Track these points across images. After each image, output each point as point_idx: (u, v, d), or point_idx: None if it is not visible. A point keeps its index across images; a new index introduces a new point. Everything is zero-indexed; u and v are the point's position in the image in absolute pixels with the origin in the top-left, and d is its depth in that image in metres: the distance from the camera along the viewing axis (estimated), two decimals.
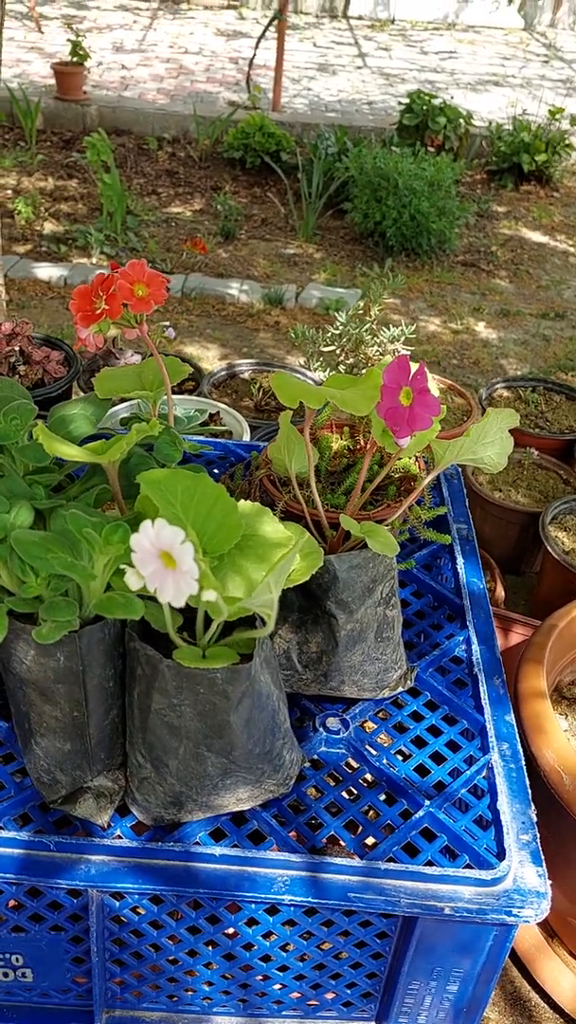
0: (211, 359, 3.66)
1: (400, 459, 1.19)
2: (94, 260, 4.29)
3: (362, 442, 1.26)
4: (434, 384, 2.30)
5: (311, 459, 1.08)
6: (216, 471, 1.47)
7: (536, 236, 5.11)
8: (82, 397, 1.09)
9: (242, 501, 0.96)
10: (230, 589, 0.91)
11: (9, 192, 4.81)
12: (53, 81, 5.78)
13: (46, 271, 4.05)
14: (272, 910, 0.99)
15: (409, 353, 1.87)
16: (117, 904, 0.99)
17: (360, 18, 9.00)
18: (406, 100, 5.45)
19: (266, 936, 1.02)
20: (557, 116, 5.50)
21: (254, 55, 6.01)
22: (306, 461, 1.09)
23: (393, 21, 9.01)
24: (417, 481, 1.17)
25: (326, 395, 0.99)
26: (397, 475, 1.20)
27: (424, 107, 5.30)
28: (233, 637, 0.93)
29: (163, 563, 0.73)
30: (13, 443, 0.99)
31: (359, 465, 1.21)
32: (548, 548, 1.90)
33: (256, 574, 0.92)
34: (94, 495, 0.99)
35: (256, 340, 3.85)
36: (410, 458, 1.19)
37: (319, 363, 2.00)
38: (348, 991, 1.09)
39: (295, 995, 1.09)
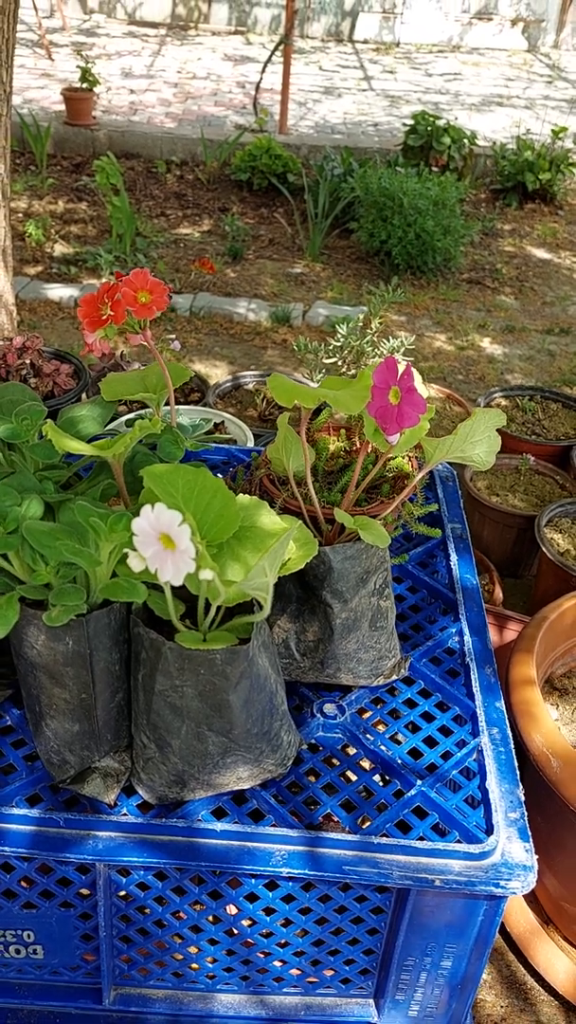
0: (219, 376, 3.73)
1: (393, 458, 1.24)
2: (103, 281, 4.37)
3: (358, 443, 1.31)
4: (427, 389, 2.36)
5: (308, 458, 1.13)
6: (219, 475, 1.53)
7: (541, 253, 5.18)
8: (90, 400, 1.15)
9: (241, 495, 1.02)
10: (228, 574, 0.96)
11: (20, 215, 4.91)
12: (63, 107, 5.91)
13: (56, 292, 4.13)
14: (271, 885, 1.04)
15: (409, 363, 1.93)
16: (123, 880, 1.04)
17: (365, 42, 9.14)
18: (411, 121, 5.54)
19: (266, 912, 1.07)
20: (561, 135, 5.58)
21: (260, 79, 6.12)
22: (303, 460, 1.15)
23: (398, 44, 9.15)
24: (410, 479, 1.22)
25: (319, 395, 1.04)
26: (391, 474, 1.25)
27: (429, 128, 5.39)
28: (233, 622, 0.99)
29: (163, 545, 0.79)
30: (24, 442, 1.05)
31: (355, 465, 1.26)
32: (544, 550, 1.95)
33: (254, 560, 0.97)
34: (100, 489, 1.05)
35: (264, 357, 3.92)
36: (403, 457, 1.25)
37: (322, 375, 2.06)
38: (346, 968, 1.14)
39: (295, 972, 1.14)
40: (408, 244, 4.48)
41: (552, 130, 5.63)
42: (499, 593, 1.98)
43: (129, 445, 0.97)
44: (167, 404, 1.22)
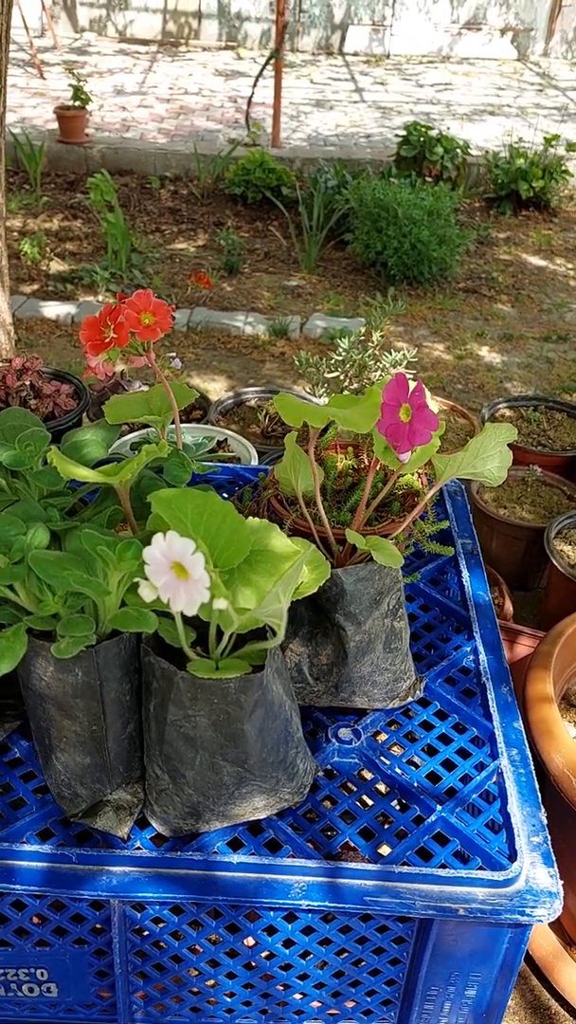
0: (218, 391, 3.71)
1: (403, 475, 1.22)
2: (100, 298, 4.37)
3: (366, 461, 1.29)
4: (434, 404, 2.34)
5: (317, 478, 1.11)
6: (225, 495, 1.50)
7: (536, 260, 5.17)
8: (93, 424, 1.13)
9: (251, 518, 0.99)
10: (241, 601, 0.94)
11: (15, 234, 4.90)
12: (56, 125, 5.91)
13: (53, 309, 4.12)
14: (290, 917, 1.01)
15: (412, 375, 1.91)
16: (138, 915, 1.01)
17: (356, 54, 9.16)
18: (403, 132, 5.54)
19: (285, 944, 1.04)
20: (553, 143, 5.59)
21: (252, 93, 6.13)
22: (312, 480, 1.13)
23: (388, 56, 9.17)
24: (420, 496, 1.20)
25: (328, 414, 1.02)
26: (401, 491, 1.23)
27: (421, 138, 5.39)
28: (245, 649, 0.96)
29: (175, 574, 0.77)
30: (28, 468, 1.03)
31: (364, 483, 1.24)
32: (554, 562, 1.93)
33: (266, 586, 0.95)
34: (107, 516, 1.03)
35: (262, 371, 3.91)
36: (412, 474, 1.23)
37: (324, 389, 2.04)
38: (368, 999, 1.11)
39: (316, 1004, 1.11)
40: (404, 254, 4.48)
41: (544, 138, 5.64)
42: (509, 606, 1.96)
43: (136, 471, 0.95)
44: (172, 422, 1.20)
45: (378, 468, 1.14)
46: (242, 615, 0.88)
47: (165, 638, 0.96)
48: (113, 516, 1.04)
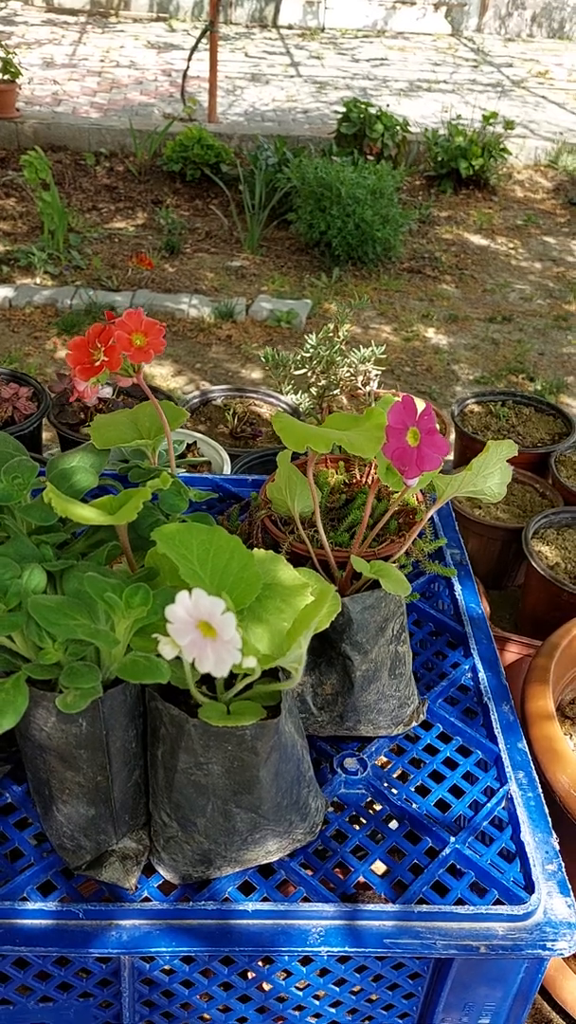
0: (165, 376, 3.64)
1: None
2: (38, 280, 4.24)
3: (358, 475, 1.25)
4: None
5: (316, 501, 1.07)
6: (205, 507, 1.45)
7: (478, 239, 5.17)
8: (80, 448, 1.06)
9: (257, 549, 0.95)
10: (252, 640, 0.89)
11: None
12: None
13: None
14: (305, 960, 0.98)
15: (381, 372, 1.87)
16: (148, 967, 0.97)
17: (290, 27, 9.02)
18: (340, 108, 5.47)
19: (299, 986, 1.01)
20: (491, 120, 5.57)
21: (187, 67, 5.99)
22: (310, 501, 1.08)
23: (323, 29, 9.05)
24: (418, 514, 1.17)
25: (333, 438, 0.98)
26: (396, 508, 1.20)
27: (361, 115, 5.33)
28: (256, 690, 0.92)
29: (201, 633, 0.72)
30: (17, 503, 0.97)
31: (359, 500, 1.21)
32: (532, 563, 1.91)
33: (277, 623, 0.91)
34: (105, 552, 0.97)
35: (209, 355, 3.84)
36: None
37: (290, 387, 1.99)
38: None
39: None
40: (348, 234, 4.42)
41: (483, 116, 5.62)
42: (486, 607, 1.94)
43: (138, 507, 0.90)
44: (155, 439, 1.15)
45: (377, 486, 1.10)
46: (264, 663, 0.83)
47: (170, 679, 0.91)
48: (111, 552, 0.98)
